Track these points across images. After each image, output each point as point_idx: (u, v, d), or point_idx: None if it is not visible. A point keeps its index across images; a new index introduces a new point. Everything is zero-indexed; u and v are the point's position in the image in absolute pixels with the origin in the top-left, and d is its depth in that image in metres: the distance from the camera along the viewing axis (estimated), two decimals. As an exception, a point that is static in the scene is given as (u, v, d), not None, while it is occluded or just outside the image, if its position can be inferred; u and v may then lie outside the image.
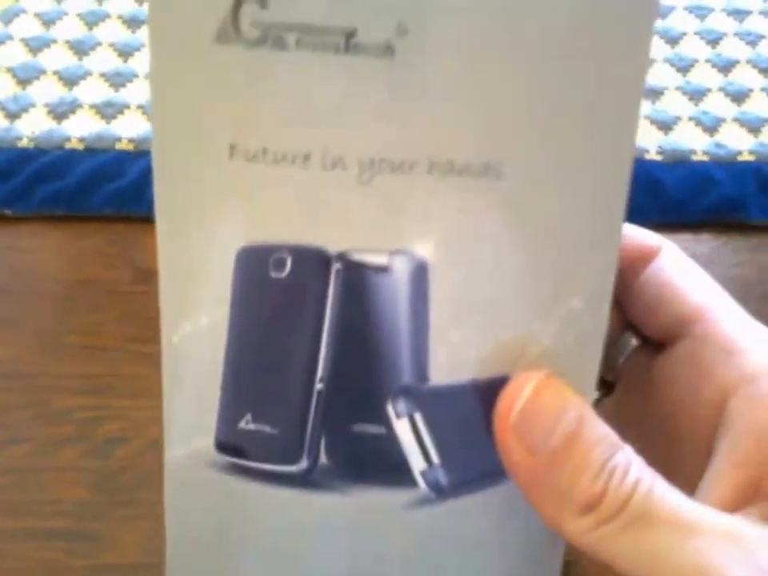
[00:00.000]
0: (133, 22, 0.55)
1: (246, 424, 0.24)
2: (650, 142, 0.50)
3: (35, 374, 0.39)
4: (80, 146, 0.47)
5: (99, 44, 0.53)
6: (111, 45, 0.53)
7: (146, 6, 0.55)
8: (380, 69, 0.21)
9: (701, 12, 0.57)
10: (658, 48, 0.55)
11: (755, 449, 0.23)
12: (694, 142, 0.50)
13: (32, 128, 0.48)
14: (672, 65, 0.54)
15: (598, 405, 0.25)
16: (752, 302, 0.44)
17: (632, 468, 0.22)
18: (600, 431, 0.23)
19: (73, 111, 0.49)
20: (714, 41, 0.56)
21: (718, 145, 0.50)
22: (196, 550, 0.26)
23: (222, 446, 0.25)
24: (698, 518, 0.22)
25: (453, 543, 0.25)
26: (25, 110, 0.49)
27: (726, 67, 0.55)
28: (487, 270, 0.23)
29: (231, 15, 0.20)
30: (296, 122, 0.21)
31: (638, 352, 0.30)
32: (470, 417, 0.24)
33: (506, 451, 0.23)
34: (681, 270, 0.28)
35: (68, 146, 0.47)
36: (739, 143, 0.50)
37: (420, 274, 0.23)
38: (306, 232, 0.22)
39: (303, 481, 0.25)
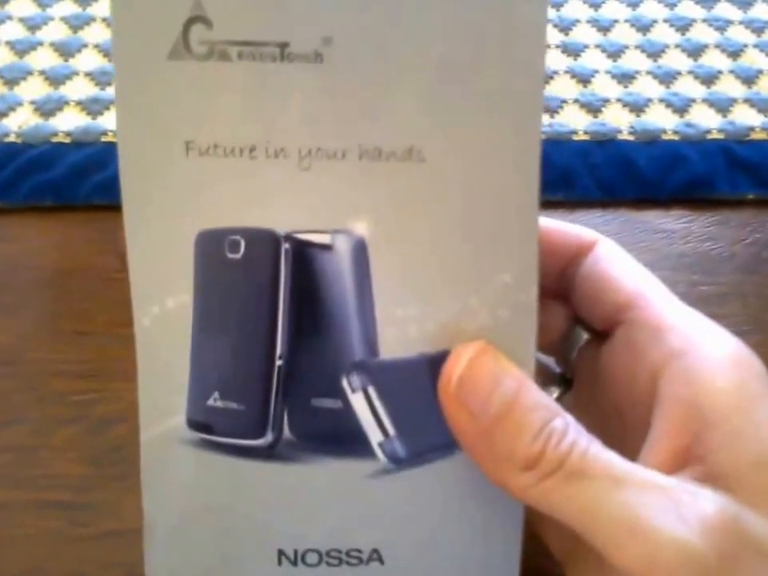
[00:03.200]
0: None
1: (214, 401, 0.26)
2: (623, 123, 0.51)
3: (31, 359, 0.40)
4: (67, 140, 0.48)
5: (85, 46, 0.55)
6: (96, 46, 0.55)
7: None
8: (311, 73, 0.23)
9: (670, 1, 0.59)
10: (630, 35, 0.57)
11: (683, 419, 0.25)
12: (665, 122, 0.51)
13: (19, 124, 0.49)
14: (643, 50, 0.56)
15: (560, 401, 0.26)
16: (723, 275, 0.45)
17: (569, 431, 0.24)
18: (537, 398, 0.24)
19: (60, 108, 0.50)
20: (683, 27, 0.57)
21: (687, 124, 0.51)
22: (173, 524, 0.27)
23: (193, 423, 0.26)
24: (628, 472, 0.23)
25: (414, 511, 0.27)
26: (12, 108, 0.50)
27: (695, 51, 0.56)
28: (421, 248, 0.25)
29: (182, 36, 0.23)
30: (241, 120, 0.24)
31: (587, 345, 0.31)
32: (420, 389, 0.25)
33: (450, 416, 0.25)
34: (615, 261, 0.30)
35: (55, 140, 0.48)
36: (708, 122, 0.51)
37: (360, 251, 0.25)
38: (256, 216, 0.25)
39: (269, 453, 0.26)
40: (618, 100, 0.52)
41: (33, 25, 0.56)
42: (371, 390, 0.25)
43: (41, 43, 0.54)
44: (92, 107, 0.50)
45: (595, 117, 0.51)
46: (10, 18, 0.56)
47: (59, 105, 0.50)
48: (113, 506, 0.36)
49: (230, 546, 0.27)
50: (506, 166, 0.24)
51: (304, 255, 0.25)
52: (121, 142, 0.24)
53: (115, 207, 0.46)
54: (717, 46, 0.56)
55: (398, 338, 0.25)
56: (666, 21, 0.58)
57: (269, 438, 0.26)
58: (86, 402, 0.39)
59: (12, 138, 0.48)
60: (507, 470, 0.24)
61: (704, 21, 0.58)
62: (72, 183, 0.46)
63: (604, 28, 0.57)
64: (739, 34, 0.57)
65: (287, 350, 0.26)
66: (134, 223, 0.25)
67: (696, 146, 0.50)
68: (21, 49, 0.54)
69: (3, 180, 0.46)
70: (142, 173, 0.24)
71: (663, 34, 0.57)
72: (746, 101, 0.53)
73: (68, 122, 0.49)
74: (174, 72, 0.24)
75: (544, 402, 0.24)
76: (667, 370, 0.26)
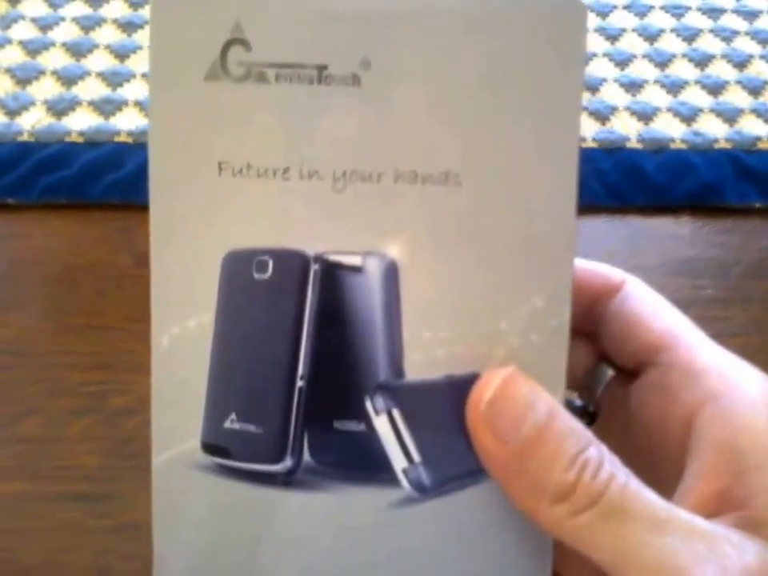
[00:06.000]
0: (128, 26, 0.56)
1: (231, 423, 0.25)
2: (631, 131, 0.51)
3: (44, 352, 0.41)
4: (80, 140, 0.49)
5: (96, 46, 0.55)
6: (108, 47, 0.55)
7: (140, 12, 0.57)
8: (349, 95, 0.24)
9: (677, 11, 0.60)
10: (638, 44, 0.57)
11: (721, 461, 0.24)
12: (673, 131, 0.52)
13: (32, 123, 0.49)
14: (651, 60, 0.56)
15: None
16: (730, 281, 0.46)
17: (605, 463, 0.22)
18: (571, 424, 0.23)
19: (72, 108, 0.51)
20: (690, 37, 0.58)
21: (695, 133, 0.52)
22: (184, 552, 0.26)
23: (208, 447, 0.25)
24: (670, 515, 0.22)
25: (439, 542, 0.25)
26: (25, 107, 0.50)
27: (702, 62, 0.57)
28: (453, 271, 0.25)
29: (220, 58, 0.23)
30: (276, 141, 0.24)
31: (614, 382, 0.31)
32: (446, 413, 0.24)
33: (477, 441, 0.23)
34: (645, 300, 0.29)
35: (68, 139, 0.49)
36: (715, 132, 0.52)
37: (391, 273, 0.25)
38: (286, 237, 0.24)
39: (288, 481, 0.25)
40: (626, 108, 0.53)
41: (45, 25, 0.56)
42: (396, 413, 0.24)
43: (53, 43, 0.55)
44: (104, 108, 0.51)
45: (603, 125, 0.52)
46: (22, 17, 0.56)
47: (72, 105, 0.51)
48: (131, 497, 0.36)
49: None
50: (542, 191, 0.24)
51: (333, 276, 0.25)
52: (153, 159, 0.24)
53: (128, 206, 0.47)
54: (723, 57, 0.57)
55: (426, 361, 0.25)
56: (673, 30, 0.58)
57: (287, 463, 0.25)
58: (100, 393, 0.39)
59: (25, 137, 0.49)
60: (538, 500, 0.22)
61: (711, 31, 0.58)
62: (85, 182, 0.47)
63: (612, 37, 0.58)
64: (745, 45, 0.58)
65: (310, 371, 0.25)
66: (161, 241, 0.25)
67: (703, 155, 0.50)
68: (33, 48, 0.54)
69: (17, 178, 0.47)
70: (172, 191, 0.24)
71: (670, 43, 0.58)
72: (753, 111, 0.53)
73: (80, 122, 0.50)
74: (210, 93, 0.24)
75: (578, 428, 0.23)
76: (703, 412, 0.25)
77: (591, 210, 0.48)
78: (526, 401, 0.23)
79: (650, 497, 0.22)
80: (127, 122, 0.50)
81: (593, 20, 0.59)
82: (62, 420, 0.38)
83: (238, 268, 0.25)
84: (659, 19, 0.59)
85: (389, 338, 0.25)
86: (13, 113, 0.50)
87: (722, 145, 0.51)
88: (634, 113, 0.53)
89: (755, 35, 0.58)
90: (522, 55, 0.24)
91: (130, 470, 0.37)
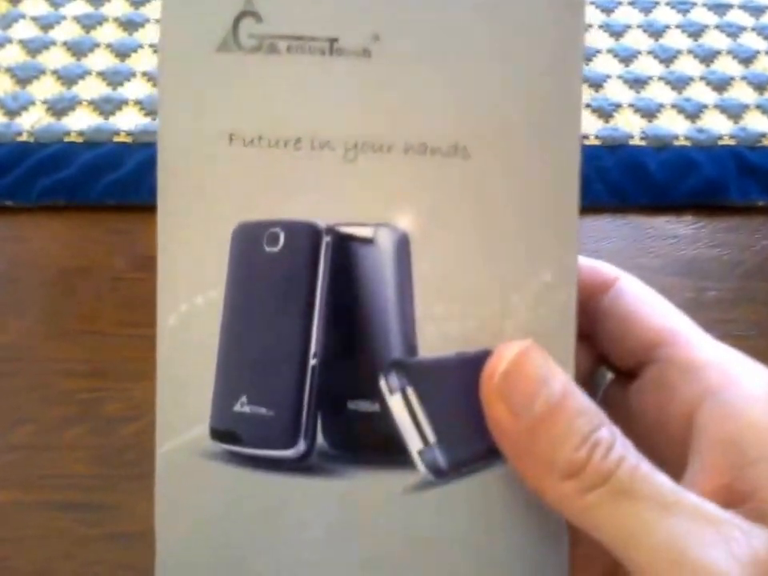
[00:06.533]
0: (129, 25, 0.56)
1: (242, 406, 0.24)
2: (635, 128, 0.51)
3: (38, 358, 0.40)
4: (79, 140, 0.48)
5: (97, 45, 0.55)
6: (108, 46, 0.55)
7: (141, 11, 0.57)
8: (359, 67, 0.24)
9: (683, 7, 0.59)
10: (642, 40, 0.57)
11: (724, 456, 0.24)
12: (677, 128, 0.51)
13: (31, 123, 0.49)
14: (655, 56, 0.56)
15: None
16: (732, 281, 0.45)
17: (617, 444, 0.22)
18: (584, 403, 0.23)
19: (72, 108, 0.50)
20: (695, 33, 0.57)
21: (699, 130, 0.51)
22: (189, 545, 0.25)
23: (217, 433, 0.24)
24: (680, 498, 0.22)
25: (455, 528, 0.25)
26: (24, 107, 0.50)
27: (707, 57, 0.56)
28: (464, 244, 0.24)
29: (232, 30, 0.23)
30: (288, 112, 0.24)
31: (613, 385, 0.30)
32: (459, 391, 0.24)
33: (491, 414, 0.23)
34: (640, 297, 0.29)
35: (67, 139, 0.48)
36: (720, 128, 0.51)
37: (403, 246, 0.24)
38: (297, 208, 0.24)
39: (301, 467, 0.24)
40: (630, 105, 0.52)
41: (45, 24, 0.56)
42: (410, 392, 0.23)
43: (53, 42, 0.55)
44: (104, 107, 0.50)
45: (607, 122, 0.51)
46: (22, 16, 0.56)
47: (72, 104, 0.51)
48: (124, 506, 0.36)
49: None
50: (548, 165, 0.24)
51: (344, 248, 0.24)
52: (162, 131, 0.24)
53: (127, 208, 0.47)
54: (729, 53, 0.56)
55: (438, 336, 0.24)
56: (678, 26, 0.58)
57: (301, 447, 0.24)
58: (93, 400, 0.39)
59: (24, 137, 0.48)
60: (547, 476, 0.22)
61: (716, 27, 0.58)
62: (84, 183, 0.46)
63: (616, 33, 0.57)
64: (751, 41, 0.57)
65: (322, 348, 0.24)
66: (169, 214, 0.24)
67: (707, 152, 0.50)
68: (33, 48, 0.54)
69: (15, 179, 0.46)
70: (181, 164, 0.24)
71: (676, 39, 0.57)
72: (758, 107, 0.53)
73: (80, 122, 0.50)
74: (222, 64, 0.23)
75: (591, 408, 0.23)
76: (703, 406, 0.25)
77: (593, 210, 0.47)
78: (540, 376, 0.23)
79: (660, 479, 0.22)
80: (127, 121, 0.50)
81: (597, 16, 0.58)
82: (56, 428, 0.38)
83: (249, 241, 0.24)
84: (664, 15, 0.58)
85: (401, 313, 0.24)
86: (12, 113, 0.50)
87: (727, 141, 0.51)
88: (637, 109, 0.52)
89: (761, 31, 0.58)
90: (526, 29, 0.24)
91: (123, 479, 0.36)
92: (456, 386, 0.24)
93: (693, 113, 0.52)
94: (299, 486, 0.24)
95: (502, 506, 0.25)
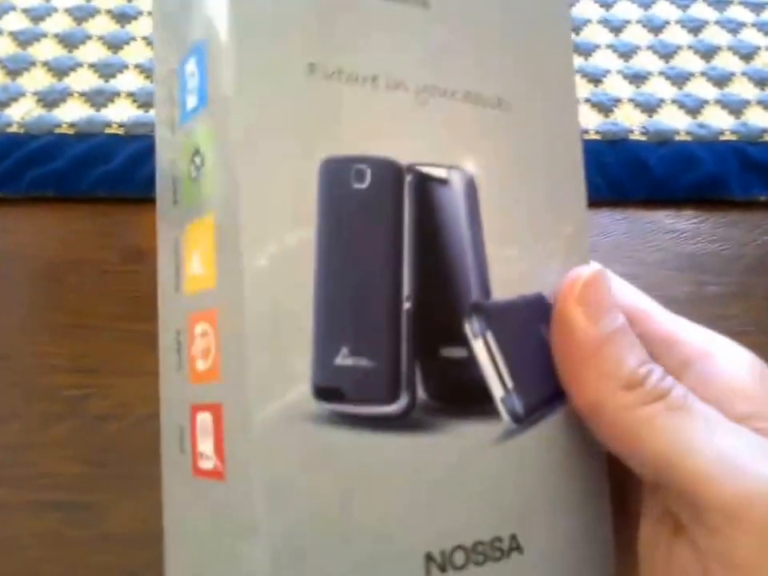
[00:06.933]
0: (122, 17, 0.56)
1: (343, 359, 0.22)
2: (635, 123, 0.50)
3: (24, 353, 0.39)
4: (70, 131, 0.48)
5: (89, 37, 0.54)
6: (100, 38, 0.54)
7: (133, 3, 0.56)
8: (419, 16, 0.24)
9: (683, 2, 0.58)
10: (642, 36, 0.56)
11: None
12: (677, 123, 0.50)
13: (22, 115, 0.48)
14: (655, 51, 0.55)
15: None
16: (732, 275, 0.44)
17: (667, 376, 0.24)
18: (636, 340, 0.25)
19: (63, 100, 0.50)
20: (696, 28, 0.57)
21: (700, 125, 0.50)
22: (304, 527, 0.21)
23: (320, 391, 0.21)
24: (725, 420, 0.23)
25: (536, 479, 0.25)
26: (14, 99, 0.49)
27: (707, 53, 0.55)
28: (515, 191, 0.25)
29: None
30: (365, 48, 0.23)
31: None
32: (525, 335, 0.24)
33: (568, 317, 0.24)
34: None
35: (58, 131, 0.48)
36: (721, 124, 0.51)
37: (472, 188, 0.24)
38: (375, 145, 0.23)
39: (404, 423, 0.22)
40: (630, 100, 0.52)
41: (36, 16, 0.55)
42: (489, 336, 0.23)
43: (44, 34, 0.54)
44: (96, 99, 0.50)
45: (606, 117, 0.51)
46: (13, 8, 0.56)
47: (63, 96, 0.50)
48: (110, 506, 0.35)
49: (366, 557, 0.22)
50: (562, 125, 0.26)
51: (423, 188, 0.24)
52: (238, 58, 0.22)
53: (116, 200, 0.46)
54: (729, 48, 0.56)
55: (502, 279, 0.24)
56: (678, 22, 0.57)
57: (403, 401, 0.22)
58: (79, 397, 0.38)
59: (14, 129, 0.48)
60: (608, 384, 0.23)
61: (716, 23, 0.57)
62: (74, 175, 0.45)
63: (616, 28, 0.56)
64: (752, 37, 0.56)
65: (413, 291, 0.23)
66: (249, 146, 0.22)
67: (708, 147, 0.49)
68: (24, 39, 0.54)
69: (4, 171, 0.45)
70: (260, 94, 0.22)
71: (676, 35, 0.56)
72: (759, 103, 0.52)
73: (71, 114, 0.49)
74: None
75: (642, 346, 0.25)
76: (685, 376, 0.25)
77: (592, 204, 0.46)
78: (613, 298, 0.25)
79: (705, 405, 0.24)
80: (119, 113, 0.49)
81: (596, 11, 0.57)
82: (40, 425, 0.37)
83: (337, 176, 0.22)
84: (664, 10, 0.58)
85: (477, 254, 0.24)
86: (2, 104, 0.49)
87: (728, 137, 0.50)
88: (637, 104, 0.51)
89: (762, 27, 0.57)
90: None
91: (110, 478, 0.36)
92: (522, 329, 0.24)
93: (693, 108, 0.51)
94: (405, 447, 0.22)
95: (560, 451, 0.25)
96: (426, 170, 0.24)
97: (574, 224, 0.26)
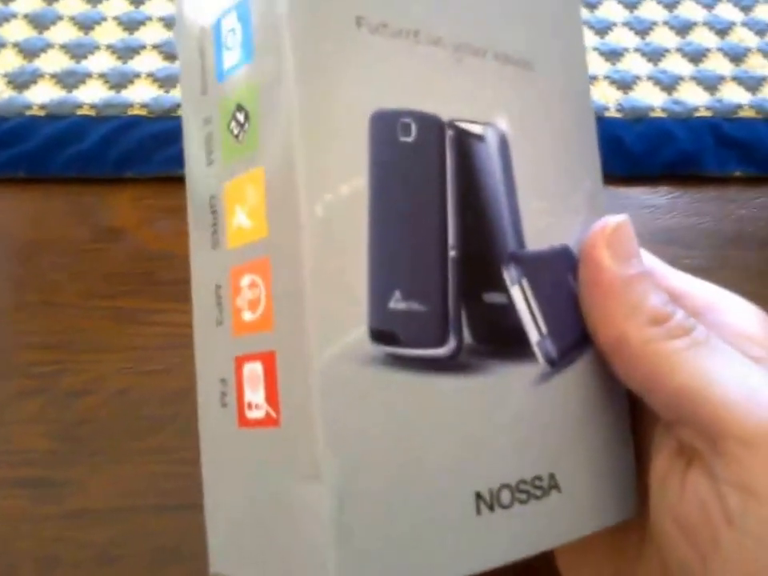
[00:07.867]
0: (93, -2, 0.55)
1: (396, 303, 0.23)
2: (610, 100, 0.50)
3: (-5, 330, 0.39)
4: (41, 113, 0.47)
5: (60, 18, 0.53)
6: (72, 18, 0.53)
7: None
8: None
9: (658, -22, 0.58)
10: (618, 12, 0.56)
11: None
12: (653, 100, 0.50)
13: (-9, 96, 0.48)
14: (631, 27, 0.55)
15: None
16: (708, 249, 0.45)
17: (690, 317, 0.25)
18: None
19: (33, 81, 0.49)
20: (671, 4, 0.57)
21: (675, 102, 0.50)
22: (371, 472, 0.22)
23: (377, 334, 0.22)
24: (742, 356, 0.25)
25: (570, 420, 0.26)
26: (-16, 81, 0.49)
27: (683, 29, 0.55)
28: (542, 147, 0.27)
29: None
30: (407, 3, 0.24)
31: None
32: (555, 283, 0.26)
33: (596, 257, 0.25)
34: None
35: (29, 113, 0.47)
36: (696, 100, 0.51)
37: (505, 145, 0.26)
38: (417, 100, 0.24)
39: (451, 365, 0.23)
40: (606, 77, 0.52)
41: (6, -4, 0.54)
42: (525, 283, 0.25)
43: (14, 15, 0.53)
44: (67, 80, 0.49)
45: (582, 93, 0.50)
46: (-18, -11, 0.55)
47: (33, 77, 0.49)
48: (82, 482, 0.35)
49: (423, 497, 0.22)
50: (578, 87, 0.28)
51: (463, 144, 0.25)
52: (290, 15, 0.22)
53: (89, 180, 0.46)
54: (705, 24, 0.56)
55: (533, 231, 0.26)
56: (653, -2, 0.57)
57: (452, 344, 0.23)
58: (51, 373, 0.38)
59: (-17, 111, 0.47)
60: (633, 318, 0.25)
61: (692, -2, 0.57)
62: (46, 155, 0.45)
63: (591, 5, 0.56)
64: (727, 12, 0.56)
65: (457, 240, 0.24)
66: (305, 98, 0.22)
67: (684, 124, 0.49)
68: (-6, 21, 0.53)
69: (-26, 152, 0.45)
70: (312, 45, 0.22)
71: (651, 11, 0.56)
72: (734, 78, 0.52)
73: (42, 95, 0.48)
74: None
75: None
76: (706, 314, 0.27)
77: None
78: (638, 246, 0.26)
79: (729, 345, 0.25)
80: (90, 94, 0.48)
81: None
82: (11, 402, 0.37)
83: (385, 129, 0.23)
84: (639, -14, 0.58)
85: (511, 207, 0.25)
86: (-28, 86, 0.48)
87: (703, 113, 0.50)
88: (613, 81, 0.51)
89: (737, 2, 0.57)
90: None
91: (81, 454, 0.35)
92: (553, 278, 0.26)
93: (669, 84, 0.51)
94: (454, 387, 0.23)
95: (588, 392, 0.26)
96: (464, 126, 0.25)
97: (593, 178, 0.28)
